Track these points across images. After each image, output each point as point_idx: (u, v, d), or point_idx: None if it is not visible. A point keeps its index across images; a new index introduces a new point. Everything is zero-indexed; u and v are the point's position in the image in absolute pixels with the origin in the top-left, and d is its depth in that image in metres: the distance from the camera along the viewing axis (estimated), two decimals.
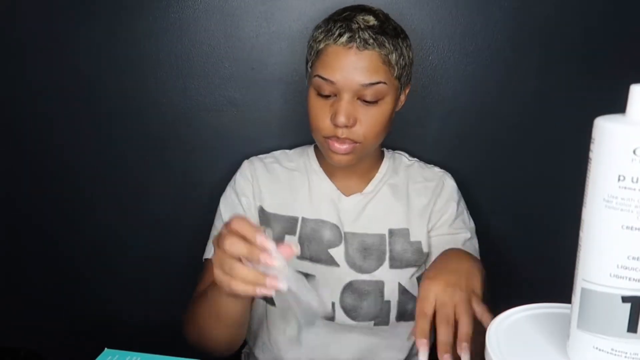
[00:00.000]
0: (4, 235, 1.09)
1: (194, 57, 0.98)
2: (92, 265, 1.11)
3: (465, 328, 0.58)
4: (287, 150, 0.94)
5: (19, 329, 1.12)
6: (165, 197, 1.06)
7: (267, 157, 0.92)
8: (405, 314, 0.82)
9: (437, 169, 0.92)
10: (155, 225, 1.08)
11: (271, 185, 0.87)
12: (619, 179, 0.34)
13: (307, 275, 0.82)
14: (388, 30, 0.75)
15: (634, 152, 0.33)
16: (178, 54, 0.98)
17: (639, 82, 0.35)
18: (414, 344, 0.84)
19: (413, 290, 0.83)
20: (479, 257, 0.84)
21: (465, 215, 0.89)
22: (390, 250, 0.83)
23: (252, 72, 0.99)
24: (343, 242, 0.83)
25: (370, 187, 0.87)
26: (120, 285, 1.12)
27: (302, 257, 0.83)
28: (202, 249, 0.90)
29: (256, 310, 0.88)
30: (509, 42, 0.96)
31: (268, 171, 0.89)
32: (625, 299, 0.35)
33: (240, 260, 0.56)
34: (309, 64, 0.78)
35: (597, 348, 0.37)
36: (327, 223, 0.84)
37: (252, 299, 0.79)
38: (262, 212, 0.86)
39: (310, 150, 0.92)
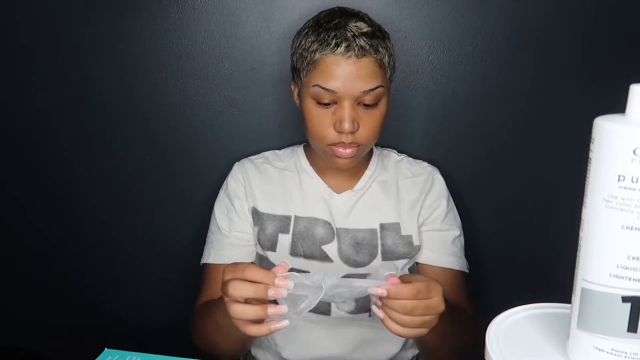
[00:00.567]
0: (4, 236, 1.09)
1: (194, 57, 0.98)
2: (92, 266, 1.11)
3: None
4: (277, 151, 0.96)
5: (19, 329, 1.13)
6: (165, 196, 1.06)
7: (258, 158, 0.93)
8: None
9: (425, 164, 0.94)
10: (155, 225, 1.08)
11: (263, 186, 0.89)
12: (619, 179, 0.34)
13: (301, 272, 0.83)
14: (378, 34, 0.76)
15: (634, 152, 0.33)
16: (178, 54, 0.98)
17: (639, 82, 0.35)
18: None
19: None
20: (463, 254, 0.90)
21: (455, 211, 0.92)
22: (382, 245, 0.85)
23: (252, 72, 0.99)
24: (335, 238, 0.85)
25: (360, 184, 0.89)
26: (120, 285, 1.12)
27: (296, 254, 0.85)
28: (201, 249, 0.91)
29: None
30: (508, 42, 0.96)
31: (259, 172, 0.90)
32: (625, 299, 0.35)
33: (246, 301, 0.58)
34: (302, 73, 0.77)
35: (597, 348, 0.37)
36: (319, 220, 0.86)
37: None
38: (255, 212, 0.87)
39: (299, 150, 0.93)
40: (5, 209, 1.08)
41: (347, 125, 0.74)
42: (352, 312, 0.82)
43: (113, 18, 0.96)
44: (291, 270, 0.84)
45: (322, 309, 0.82)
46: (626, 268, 0.35)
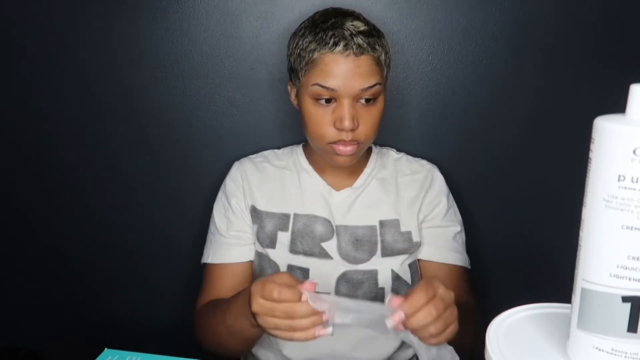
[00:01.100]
0: (4, 236, 1.09)
1: (194, 57, 0.98)
2: (92, 266, 1.11)
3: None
4: (276, 150, 0.96)
5: (19, 329, 1.12)
6: (165, 196, 1.06)
7: (257, 157, 0.94)
8: None
9: (424, 162, 0.95)
10: (155, 225, 1.08)
11: (262, 184, 0.89)
12: (619, 179, 0.34)
13: (301, 269, 0.85)
14: (374, 33, 0.78)
15: (634, 152, 0.33)
16: (178, 54, 0.98)
17: (639, 82, 0.35)
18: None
19: (405, 276, 0.86)
20: (465, 250, 0.90)
21: (455, 207, 0.93)
22: (382, 241, 0.86)
23: (252, 72, 0.99)
24: (335, 235, 0.86)
25: (359, 181, 0.89)
26: (121, 285, 1.12)
27: (295, 251, 0.85)
28: (201, 249, 0.91)
29: None
30: (509, 42, 0.96)
31: (258, 170, 0.91)
32: (625, 299, 0.35)
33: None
34: (301, 72, 0.78)
35: (597, 348, 0.37)
36: (318, 218, 0.86)
37: None
38: (254, 210, 0.88)
39: (298, 149, 0.94)
40: (5, 209, 1.08)
41: (347, 123, 0.75)
42: None
43: (113, 18, 0.96)
44: (290, 267, 0.84)
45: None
46: (626, 268, 0.35)
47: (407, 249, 0.86)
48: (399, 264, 0.85)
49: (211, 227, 0.91)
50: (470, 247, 0.92)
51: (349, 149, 0.78)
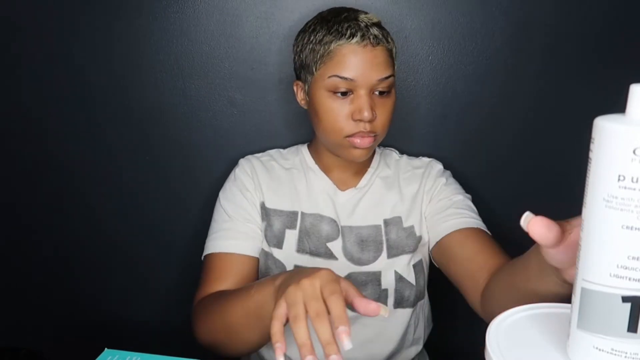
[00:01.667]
0: (4, 236, 1.09)
1: (194, 57, 0.98)
2: (92, 266, 1.11)
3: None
4: (281, 150, 0.96)
5: (19, 329, 1.12)
6: (165, 196, 1.06)
7: (263, 156, 0.94)
8: (403, 301, 0.85)
9: (425, 158, 0.95)
10: (155, 225, 1.08)
11: (270, 182, 0.89)
12: (619, 179, 0.34)
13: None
14: (384, 26, 0.79)
15: (634, 152, 0.33)
16: (178, 54, 0.98)
17: (639, 82, 0.35)
18: (406, 333, 0.87)
19: (410, 277, 0.85)
20: (477, 216, 0.85)
21: (458, 186, 0.90)
22: (387, 240, 0.86)
23: (252, 72, 0.99)
24: (340, 235, 0.86)
25: (363, 181, 0.90)
26: (120, 285, 1.12)
27: (302, 251, 0.85)
28: (202, 249, 0.90)
29: None
30: (508, 42, 0.96)
31: (266, 169, 0.90)
32: (625, 299, 0.35)
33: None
34: (315, 66, 0.78)
35: (597, 348, 0.37)
36: (325, 217, 0.86)
37: None
38: (263, 207, 0.88)
39: (304, 149, 0.94)
40: (5, 209, 1.08)
41: (366, 114, 0.76)
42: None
43: (113, 18, 0.96)
44: (296, 267, 0.84)
45: None
46: (626, 268, 0.35)
47: (411, 245, 0.86)
48: (403, 265, 0.85)
49: (217, 218, 0.87)
50: None
51: (366, 140, 0.78)
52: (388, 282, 0.84)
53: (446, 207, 0.86)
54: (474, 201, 0.89)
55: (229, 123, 1.02)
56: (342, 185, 0.89)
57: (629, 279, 0.35)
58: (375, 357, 0.87)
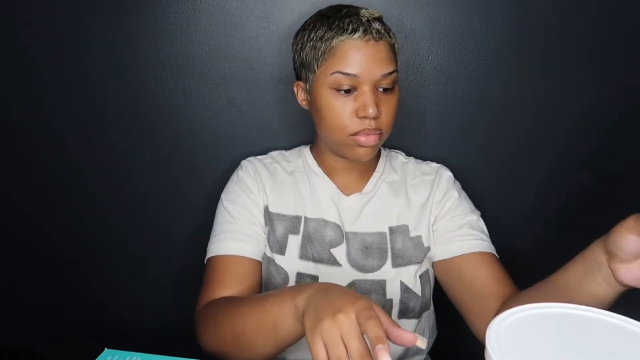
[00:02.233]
0: (4, 236, 1.09)
1: (194, 57, 0.98)
2: (92, 266, 1.11)
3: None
4: (284, 152, 0.94)
5: (19, 329, 1.13)
6: (165, 197, 1.06)
7: (266, 158, 0.92)
8: (408, 312, 0.82)
9: (433, 164, 0.93)
10: (155, 225, 1.08)
11: (274, 186, 0.87)
12: None
13: (310, 277, 0.82)
14: (385, 22, 0.78)
15: None
16: (178, 54, 0.98)
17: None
18: None
19: (416, 288, 0.83)
20: (489, 240, 0.84)
21: (469, 200, 0.89)
22: (392, 248, 0.83)
23: (251, 72, 0.99)
24: (344, 241, 0.83)
25: (369, 186, 0.87)
26: (121, 285, 1.12)
27: (305, 257, 0.83)
28: (202, 249, 0.90)
29: None
30: (509, 42, 0.96)
31: (269, 171, 0.88)
32: None
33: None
34: (316, 64, 0.76)
35: None
36: (328, 223, 0.84)
37: None
38: (266, 211, 0.85)
39: (306, 151, 0.92)
40: (6, 208, 1.08)
41: (371, 110, 0.74)
42: None
43: (113, 18, 0.96)
44: (299, 275, 0.82)
45: None
46: None
47: (417, 256, 0.83)
48: (409, 275, 0.82)
49: (220, 220, 0.85)
50: None
51: (372, 138, 0.76)
52: (393, 291, 0.82)
53: (459, 226, 0.83)
54: (471, 201, 0.89)
55: (229, 123, 1.02)
56: (346, 190, 0.87)
57: None
58: None
